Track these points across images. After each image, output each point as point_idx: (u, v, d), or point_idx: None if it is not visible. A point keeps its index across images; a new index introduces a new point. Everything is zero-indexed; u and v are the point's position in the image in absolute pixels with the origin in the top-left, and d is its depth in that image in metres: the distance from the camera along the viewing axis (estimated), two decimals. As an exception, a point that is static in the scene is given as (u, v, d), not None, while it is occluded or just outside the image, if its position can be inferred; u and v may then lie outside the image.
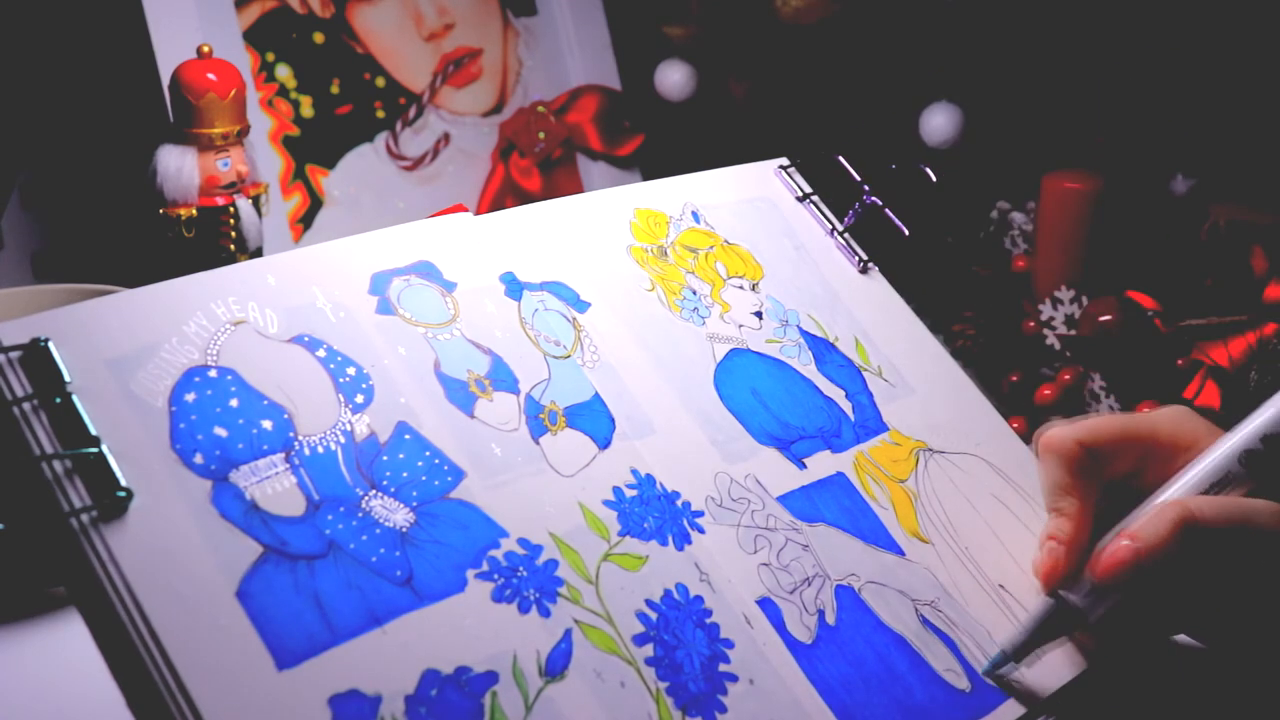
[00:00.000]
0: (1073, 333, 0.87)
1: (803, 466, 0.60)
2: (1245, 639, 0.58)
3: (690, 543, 0.54)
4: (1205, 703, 0.61)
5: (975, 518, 0.62)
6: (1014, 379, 0.91)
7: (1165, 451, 0.58)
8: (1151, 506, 0.55)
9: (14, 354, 0.46)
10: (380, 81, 1.03)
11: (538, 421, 0.55)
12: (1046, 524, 0.58)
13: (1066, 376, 0.87)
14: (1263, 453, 0.56)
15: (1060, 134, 0.98)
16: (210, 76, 0.80)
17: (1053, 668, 0.57)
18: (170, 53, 0.89)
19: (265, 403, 0.49)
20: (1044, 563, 0.56)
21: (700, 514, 0.55)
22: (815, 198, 0.73)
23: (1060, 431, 0.58)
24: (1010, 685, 0.56)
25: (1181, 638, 0.61)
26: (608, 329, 0.60)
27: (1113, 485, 0.59)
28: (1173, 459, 0.58)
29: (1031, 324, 0.91)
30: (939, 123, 0.96)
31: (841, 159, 0.73)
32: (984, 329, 0.92)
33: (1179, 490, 0.56)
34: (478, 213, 0.76)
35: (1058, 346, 0.89)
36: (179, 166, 0.80)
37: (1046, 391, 0.89)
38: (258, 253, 0.84)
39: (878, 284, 0.72)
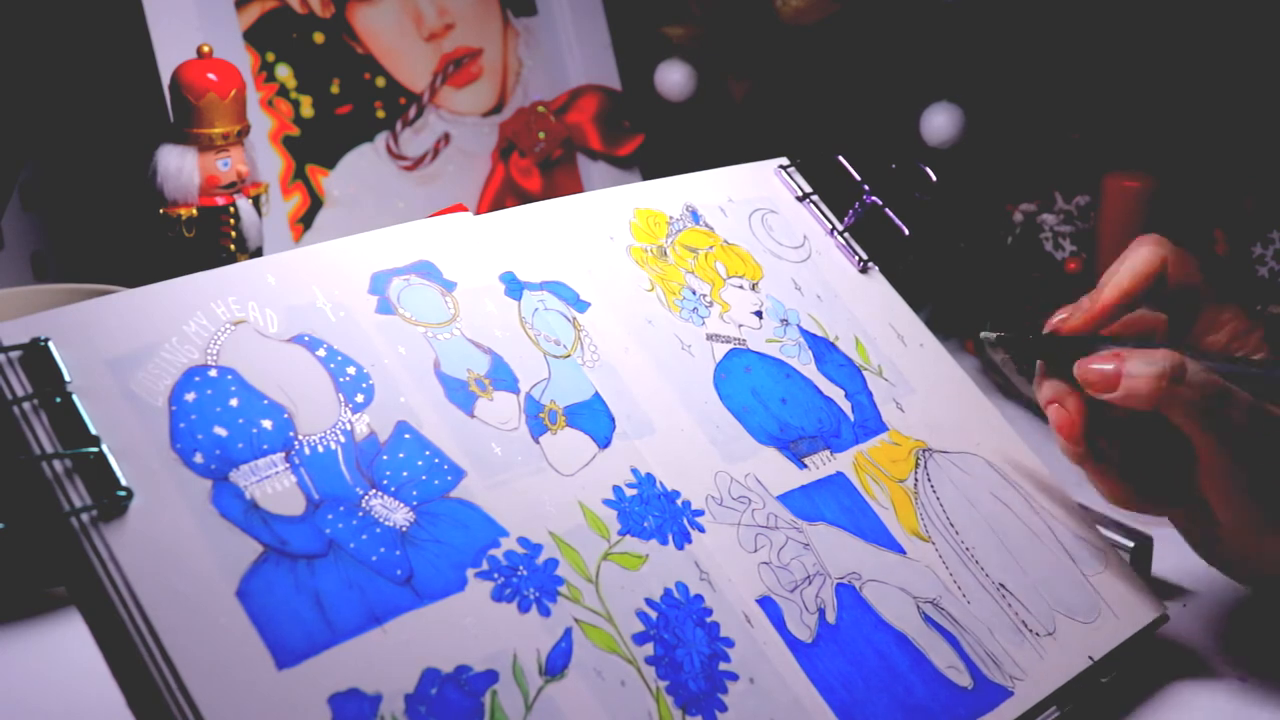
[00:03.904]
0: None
1: (803, 466, 0.60)
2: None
3: (690, 542, 0.54)
4: (1203, 701, 0.61)
5: (976, 516, 0.62)
6: None
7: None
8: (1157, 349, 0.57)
9: (14, 354, 0.46)
10: (380, 81, 1.03)
11: (538, 421, 0.55)
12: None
13: None
14: None
15: (1062, 133, 0.98)
16: (210, 76, 0.80)
17: (1051, 665, 0.57)
18: (170, 53, 0.89)
19: (265, 402, 0.49)
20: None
21: (700, 513, 0.55)
22: (815, 197, 0.73)
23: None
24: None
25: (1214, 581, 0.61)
26: (607, 329, 0.60)
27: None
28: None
29: None
30: (940, 123, 0.96)
31: (841, 159, 0.73)
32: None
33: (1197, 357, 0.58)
34: (478, 212, 0.76)
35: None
36: (179, 166, 0.80)
37: None
38: (258, 253, 0.84)
39: (878, 283, 0.72)
